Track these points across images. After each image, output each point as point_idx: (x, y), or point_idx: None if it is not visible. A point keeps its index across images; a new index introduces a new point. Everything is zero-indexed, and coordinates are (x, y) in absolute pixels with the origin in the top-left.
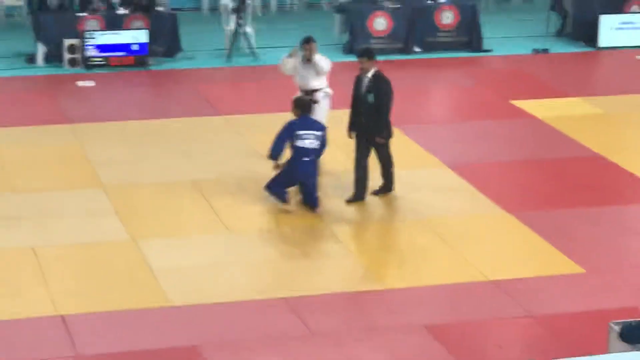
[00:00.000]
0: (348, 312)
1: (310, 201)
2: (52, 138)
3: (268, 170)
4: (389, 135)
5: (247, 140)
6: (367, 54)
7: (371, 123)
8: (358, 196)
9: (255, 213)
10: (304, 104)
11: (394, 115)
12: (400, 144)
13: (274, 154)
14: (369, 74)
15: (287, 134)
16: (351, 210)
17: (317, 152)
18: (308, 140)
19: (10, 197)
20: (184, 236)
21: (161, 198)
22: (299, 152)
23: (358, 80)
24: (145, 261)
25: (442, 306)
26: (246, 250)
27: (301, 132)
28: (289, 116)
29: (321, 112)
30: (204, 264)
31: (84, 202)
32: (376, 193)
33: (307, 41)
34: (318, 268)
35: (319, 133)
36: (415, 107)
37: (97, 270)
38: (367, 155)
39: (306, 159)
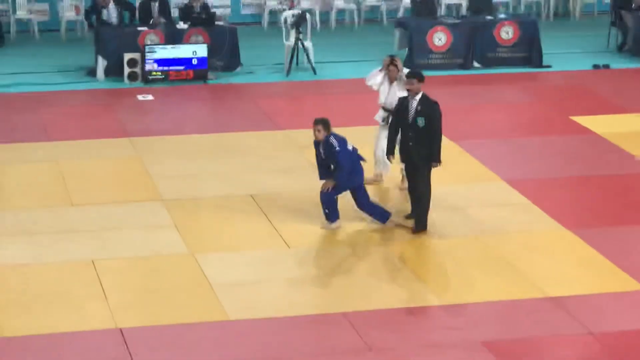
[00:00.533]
0: (405, 328)
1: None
2: (112, 151)
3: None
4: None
5: (305, 155)
6: (418, 75)
7: (421, 149)
8: (423, 225)
9: (314, 228)
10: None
11: (453, 130)
12: (459, 159)
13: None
14: (417, 97)
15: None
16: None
17: None
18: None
19: (71, 211)
20: (242, 251)
21: (220, 212)
22: (355, 154)
23: (403, 103)
24: (204, 275)
25: (500, 323)
26: (304, 265)
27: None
28: (347, 131)
29: None
30: (262, 278)
31: (144, 216)
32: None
33: (392, 61)
34: (375, 283)
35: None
36: (475, 123)
37: (156, 283)
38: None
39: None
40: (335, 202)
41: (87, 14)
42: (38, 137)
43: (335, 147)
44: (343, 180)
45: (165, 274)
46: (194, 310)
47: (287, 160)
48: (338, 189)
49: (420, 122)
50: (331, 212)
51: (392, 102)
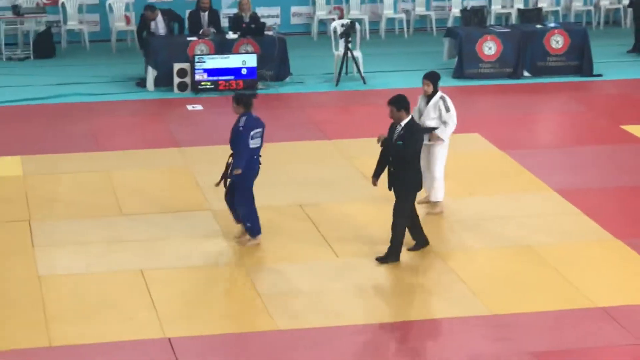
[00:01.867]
0: (454, 337)
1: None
2: (162, 161)
3: (376, 193)
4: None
5: (354, 164)
6: (394, 104)
7: (397, 176)
8: (421, 244)
9: (363, 238)
10: (247, 99)
11: (503, 139)
12: (509, 169)
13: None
14: (403, 123)
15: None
16: (458, 236)
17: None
18: (258, 139)
19: (120, 220)
20: (291, 260)
21: (269, 222)
22: (254, 153)
23: (391, 127)
24: (253, 285)
25: (549, 333)
26: (354, 276)
27: (254, 132)
28: None
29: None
30: (311, 289)
31: (193, 226)
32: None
33: (427, 76)
34: (424, 293)
35: (261, 130)
36: (525, 132)
37: (205, 293)
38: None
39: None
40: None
41: (139, 31)
42: (89, 147)
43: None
44: None
45: (214, 283)
46: (243, 319)
47: (336, 170)
48: None
49: (399, 146)
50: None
51: (423, 121)
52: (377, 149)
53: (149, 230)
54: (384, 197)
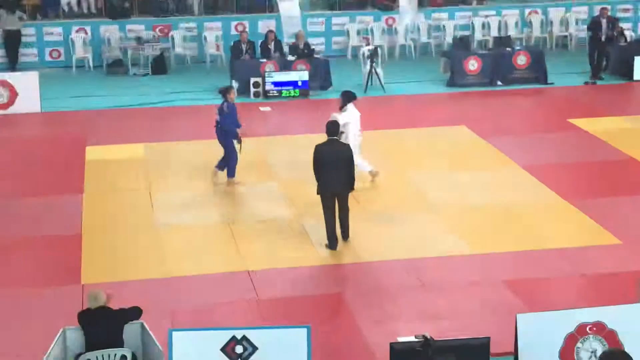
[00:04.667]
0: (448, 270)
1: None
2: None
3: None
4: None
5: (379, 150)
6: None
7: None
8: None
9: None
10: (224, 91)
11: (482, 129)
12: (484, 151)
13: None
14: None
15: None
16: (446, 198)
17: None
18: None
19: (210, 188)
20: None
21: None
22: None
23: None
24: (306, 231)
25: (517, 267)
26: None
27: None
28: (406, 132)
29: None
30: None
31: (264, 192)
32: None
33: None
34: (422, 239)
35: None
36: (498, 124)
37: (273, 237)
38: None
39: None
40: None
41: (233, 52)
42: (191, 137)
43: None
44: None
45: (280, 230)
46: (299, 255)
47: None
48: None
49: None
50: None
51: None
52: (394, 137)
53: (234, 196)
54: None
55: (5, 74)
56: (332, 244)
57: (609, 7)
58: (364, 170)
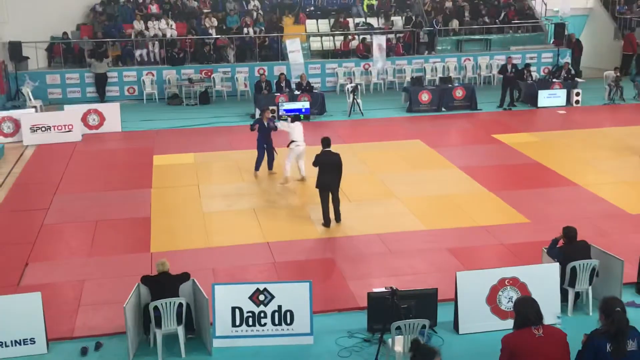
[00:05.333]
0: (406, 239)
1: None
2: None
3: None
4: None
5: (359, 157)
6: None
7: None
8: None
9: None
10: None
11: (431, 141)
12: (434, 157)
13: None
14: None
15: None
16: (404, 190)
17: None
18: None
19: (243, 185)
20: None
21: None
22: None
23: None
24: (308, 214)
25: (457, 239)
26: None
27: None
28: (377, 145)
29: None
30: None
31: (279, 186)
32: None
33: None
34: (387, 219)
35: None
36: (443, 138)
37: (285, 218)
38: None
39: None
40: None
41: (256, 89)
42: (227, 148)
43: None
44: None
45: (291, 217)
46: (304, 231)
47: (348, 158)
48: None
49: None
50: None
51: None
52: (373, 149)
53: (256, 189)
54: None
55: (96, 104)
56: (326, 223)
57: (513, 56)
58: (285, 172)
